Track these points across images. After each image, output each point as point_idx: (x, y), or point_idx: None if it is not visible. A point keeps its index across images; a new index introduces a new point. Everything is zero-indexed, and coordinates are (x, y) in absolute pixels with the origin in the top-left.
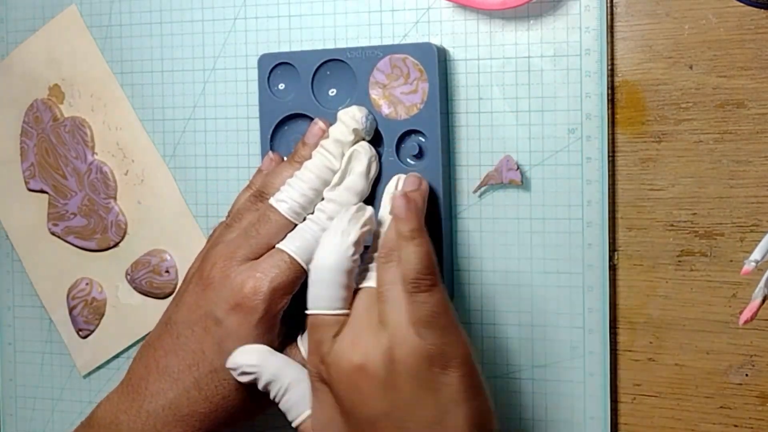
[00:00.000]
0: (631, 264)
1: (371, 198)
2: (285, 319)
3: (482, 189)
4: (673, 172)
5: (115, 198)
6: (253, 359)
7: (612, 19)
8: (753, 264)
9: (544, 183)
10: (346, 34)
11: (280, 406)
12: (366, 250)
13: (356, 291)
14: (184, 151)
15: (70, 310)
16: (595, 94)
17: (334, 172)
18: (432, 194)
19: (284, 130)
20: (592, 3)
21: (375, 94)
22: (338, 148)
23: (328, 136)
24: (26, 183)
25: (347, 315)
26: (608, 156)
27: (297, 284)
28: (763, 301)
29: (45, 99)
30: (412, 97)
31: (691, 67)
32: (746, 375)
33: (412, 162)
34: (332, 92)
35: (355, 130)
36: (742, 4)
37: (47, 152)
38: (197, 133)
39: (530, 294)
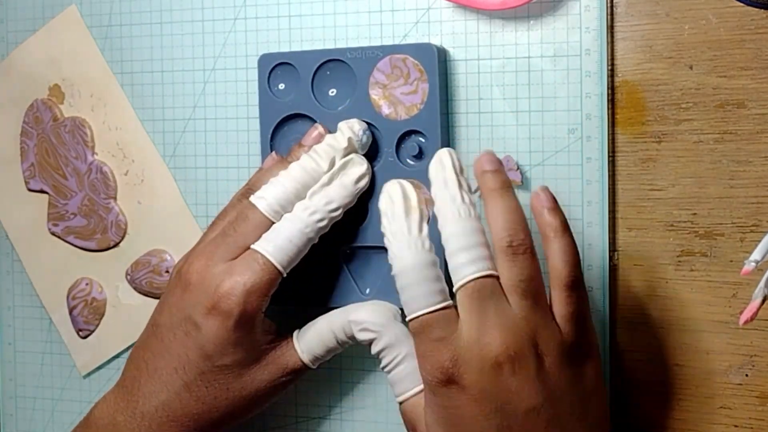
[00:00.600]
0: (631, 264)
1: (367, 202)
2: (274, 315)
3: None
4: (673, 172)
5: (115, 198)
6: (379, 319)
7: (612, 19)
8: (753, 264)
9: (544, 183)
10: (346, 34)
11: (390, 376)
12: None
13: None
14: (184, 151)
15: (70, 310)
16: (595, 95)
17: (319, 176)
18: None
19: (284, 130)
20: (592, 3)
21: (375, 94)
22: (329, 153)
23: None
24: (26, 183)
25: (452, 307)
26: (608, 156)
27: (273, 285)
28: (763, 301)
29: (45, 99)
30: (412, 97)
31: (691, 68)
32: (746, 375)
33: (412, 162)
34: (332, 92)
35: (349, 139)
36: (742, 4)
37: (47, 152)
38: (197, 133)
39: None
